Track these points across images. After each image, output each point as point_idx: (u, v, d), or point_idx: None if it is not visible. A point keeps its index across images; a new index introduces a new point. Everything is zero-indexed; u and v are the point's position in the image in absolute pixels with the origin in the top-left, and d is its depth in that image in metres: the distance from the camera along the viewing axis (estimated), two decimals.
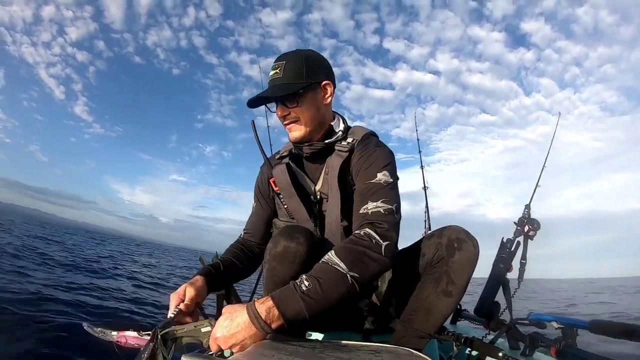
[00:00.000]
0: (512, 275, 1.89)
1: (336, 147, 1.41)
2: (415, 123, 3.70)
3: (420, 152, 3.42)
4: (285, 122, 1.40)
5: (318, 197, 1.43)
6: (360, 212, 1.22)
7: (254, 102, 1.37)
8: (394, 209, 1.22)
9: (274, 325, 0.96)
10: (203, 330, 1.13)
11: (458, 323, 2.41)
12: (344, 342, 1.26)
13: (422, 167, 3.30)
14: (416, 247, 1.34)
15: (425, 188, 3.20)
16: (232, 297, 1.60)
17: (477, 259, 1.22)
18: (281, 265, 1.17)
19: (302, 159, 1.48)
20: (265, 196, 1.57)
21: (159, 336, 1.06)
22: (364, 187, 1.28)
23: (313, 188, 1.45)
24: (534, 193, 2.04)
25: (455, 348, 1.43)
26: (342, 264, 1.03)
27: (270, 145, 2.53)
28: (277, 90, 1.32)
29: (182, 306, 1.23)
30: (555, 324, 1.74)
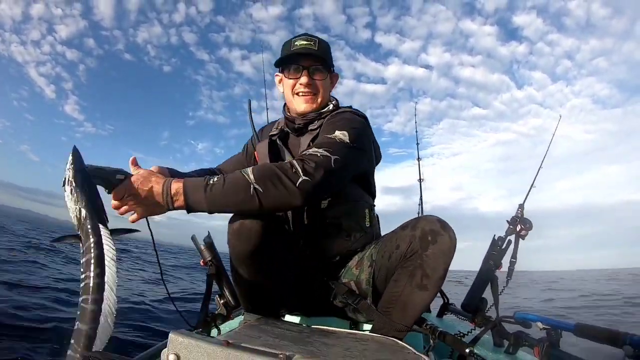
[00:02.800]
0: (502, 272, 1.91)
1: (310, 127, 1.48)
2: (415, 117, 3.69)
3: (417, 144, 3.42)
4: (303, 91, 1.47)
5: None
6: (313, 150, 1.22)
7: (292, 57, 1.46)
8: (332, 158, 1.19)
9: (175, 204, 1.10)
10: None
11: (445, 317, 2.43)
12: (331, 328, 1.27)
13: (419, 159, 3.30)
14: (391, 238, 1.34)
15: (420, 180, 3.20)
16: (222, 277, 1.61)
17: (454, 250, 1.20)
18: (239, 241, 1.21)
19: (289, 136, 1.55)
20: (248, 156, 1.68)
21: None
22: (316, 140, 1.32)
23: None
24: (528, 193, 2.04)
25: (431, 341, 1.46)
26: (251, 175, 1.10)
27: (267, 110, 2.51)
28: (321, 53, 1.45)
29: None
30: (540, 325, 1.76)
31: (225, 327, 1.62)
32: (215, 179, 1.10)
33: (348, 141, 1.27)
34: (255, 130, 1.60)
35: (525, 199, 2.01)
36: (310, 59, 1.45)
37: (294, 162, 1.15)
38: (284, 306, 1.51)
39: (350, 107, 1.53)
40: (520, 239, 1.89)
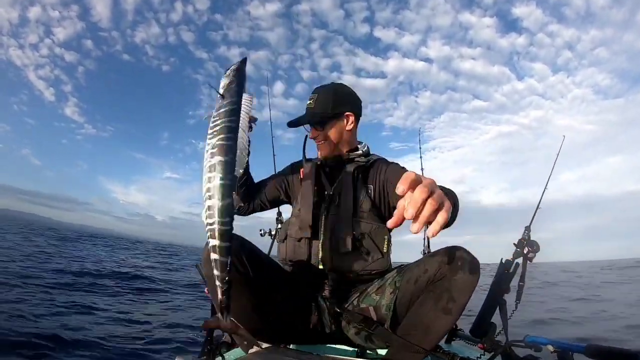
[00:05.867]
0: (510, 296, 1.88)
1: (356, 159, 1.74)
2: (420, 143, 3.69)
3: (421, 157, 3.42)
4: (316, 142, 1.77)
5: (331, 193, 1.66)
6: None
7: (292, 123, 1.77)
8: None
9: None
10: None
11: (453, 342, 2.38)
12: (339, 356, 1.25)
13: (422, 169, 3.29)
14: (418, 264, 1.40)
15: None
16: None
17: (478, 280, 1.26)
18: (207, 267, 1.30)
19: (326, 168, 1.78)
20: (290, 176, 1.89)
21: None
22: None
23: (330, 188, 1.69)
24: (534, 215, 2.03)
25: None
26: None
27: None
28: (308, 117, 1.74)
29: None
30: (551, 347, 1.72)
31: (230, 355, 1.60)
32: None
33: None
34: (305, 154, 1.84)
35: (532, 221, 2.00)
36: (310, 116, 1.74)
37: None
38: (280, 333, 1.49)
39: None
40: (528, 262, 1.88)
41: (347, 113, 1.74)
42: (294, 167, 1.91)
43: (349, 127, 1.75)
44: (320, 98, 1.74)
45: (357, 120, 1.80)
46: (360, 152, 1.76)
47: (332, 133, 1.73)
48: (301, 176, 1.79)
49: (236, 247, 1.29)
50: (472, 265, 1.26)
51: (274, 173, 2.01)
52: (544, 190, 2.12)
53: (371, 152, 1.83)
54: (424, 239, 3.08)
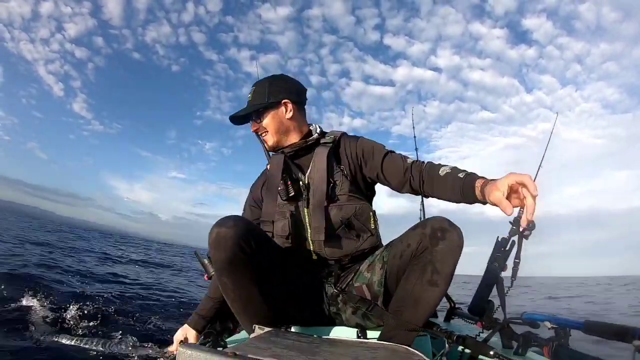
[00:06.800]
0: (506, 274, 1.89)
1: (322, 141, 1.67)
2: (413, 122, 3.68)
3: (416, 149, 3.42)
4: (259, 134, 1.71)
5: (307, 182, 1.59)
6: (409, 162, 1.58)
7: (232, 119, 1.73)
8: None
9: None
10: None
11: (452, 321, 2.42)
12: (340, 337, 1.26)
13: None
14: (401, 239, 1.40)
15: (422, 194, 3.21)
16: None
17: (462, 247, 1.26)
18: (217, 250, 1.27)
19: (294, 159, 1.68)
20: (257, 188, 1.76)
21: None
22: (390, 158, 1.61)
23: (304, 177, 1.61)
24: None
25: (447, 345, 1.44)
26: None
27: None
28: (244, 110, 1.68)
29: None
30: (548, 324, 1.75)
31: (232, 340, 1.62)
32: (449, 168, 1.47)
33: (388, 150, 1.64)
34: (266, 151, 1.76)
35: None
36: (246, 109, 1.68)
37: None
38: (280, 317, 1.51)
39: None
40: (524, 239, 1.88)
41: (285, 101, 1.68)
42: (259, 177, 1.84)
43: (289, 114, 1.68)
44: (257, 90, 1.70)
45: (298, 107, 1.73)
46: (316, 135, 1.70)
47: (271, 123, 1.67)
48: (268, 169, 1.70)
49: (243, 230, 1.27)
50: (453, 234, 1.25)
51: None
52: (539, 168, 2.13)
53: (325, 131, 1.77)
54: (421, 206, 3.10)
